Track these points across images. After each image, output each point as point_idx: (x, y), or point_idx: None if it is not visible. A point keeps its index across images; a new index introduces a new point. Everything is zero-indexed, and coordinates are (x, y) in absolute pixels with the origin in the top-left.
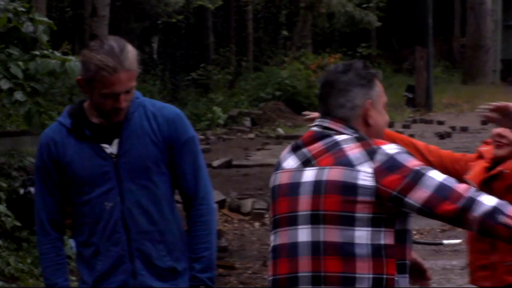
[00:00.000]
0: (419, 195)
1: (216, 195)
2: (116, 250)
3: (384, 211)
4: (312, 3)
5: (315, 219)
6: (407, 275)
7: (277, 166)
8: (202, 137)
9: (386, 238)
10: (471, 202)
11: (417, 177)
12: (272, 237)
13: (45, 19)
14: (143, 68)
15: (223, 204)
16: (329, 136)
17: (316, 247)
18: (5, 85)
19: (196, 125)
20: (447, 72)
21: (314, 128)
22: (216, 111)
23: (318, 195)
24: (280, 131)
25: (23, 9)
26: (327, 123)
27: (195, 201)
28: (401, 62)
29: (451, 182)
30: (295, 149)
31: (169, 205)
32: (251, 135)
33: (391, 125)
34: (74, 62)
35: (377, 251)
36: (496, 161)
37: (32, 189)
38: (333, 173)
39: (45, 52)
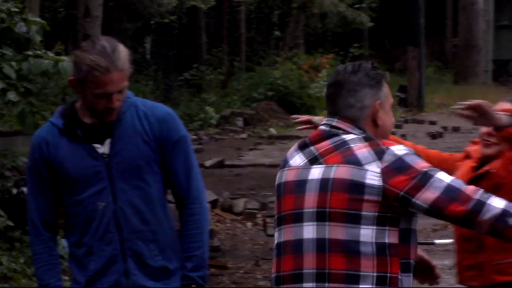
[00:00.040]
0: (427, 196)
1: (209, 195)
2: (109, 249)
3: (390, 210)
4: (305, 3)
5: (321, 216)
6: (411, 274)
7: (284, 164)
8: (194, 137)
9: (390, 237)
10: (481, 204)
11: (425, 178)
12: (276, 234)
13: (38, 19)
14: (136, 68)
15: (216, 204)
16: (337, 135)
17: (321, 244)
18: None
19: (188, 125)
20: (439, 72)
21: (322, 127)
22: (209, 111)
23: (325, 193)
24: (273, 131)
25: (16, 10)
26: (335, 122)
27: (187, 200)
28: (393, 62)
29: (459, 183)
30: (302, 147)
31: (161, 205)
32: (244, 135)
33: None
34: (67, 62)
35: (381, 249)
36: (483, 160)
37: (25, 189)
38: (341, 171)
39: (38, 52)
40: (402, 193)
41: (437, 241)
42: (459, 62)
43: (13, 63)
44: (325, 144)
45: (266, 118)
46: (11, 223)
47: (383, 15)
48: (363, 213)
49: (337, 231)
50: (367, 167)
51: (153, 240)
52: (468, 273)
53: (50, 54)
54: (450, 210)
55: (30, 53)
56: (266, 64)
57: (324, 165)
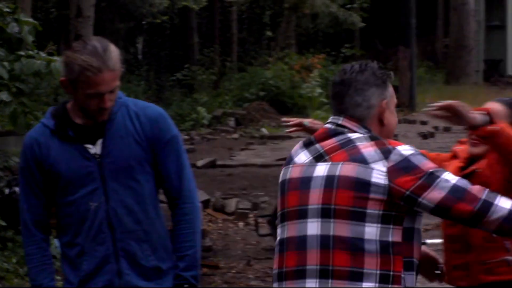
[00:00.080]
0: (433, 196)
1: (201, 195)
2: (102, 250)
3: (394, 209)
4: (296, 3)
5: (325, 213)
6: (413, 273)
7: (288, 161)
8: (186, 137)
9: (394, 235)
10: (488, 205)
11: (431, 178)
12: (279, 230)
13: (30, 19)
14: (128, 68)
15: (208, 204)
16: (342, 133)
17: (325, 241)
18: None
19: (180, 125)
20: (430, 72)
21: (327, 125)
22: (201, 111)
23: (330, 190)
24: (264, 131)
25: (8, 10)
26: (341, 120)
27: (179, 200)
28: (384, 63)
29: (465, 183)
30: (307, 145)
31: (153, 205)
32: (235, 135)
33: None
34: (59, 63)
35: (385, 247)
36: (470, 160)
37: (17, 189)
38: (346, 169)
39: (30, 52)
40: (408, 192)
41: (428, 241)
42: (450, 62)
43: (5, 63)
44: (331, 142)
45: (257, 118)
46: (3, 223)
47: (374, 16)
48: (368, 211)
49: (342, 228)
50: (373, 165)
51: (145, 240)
52: (456, 273)
53: (42, 54)
54: (457, 209)
55: (22, 53)
56: (258, 64)
57: (329, 163)
